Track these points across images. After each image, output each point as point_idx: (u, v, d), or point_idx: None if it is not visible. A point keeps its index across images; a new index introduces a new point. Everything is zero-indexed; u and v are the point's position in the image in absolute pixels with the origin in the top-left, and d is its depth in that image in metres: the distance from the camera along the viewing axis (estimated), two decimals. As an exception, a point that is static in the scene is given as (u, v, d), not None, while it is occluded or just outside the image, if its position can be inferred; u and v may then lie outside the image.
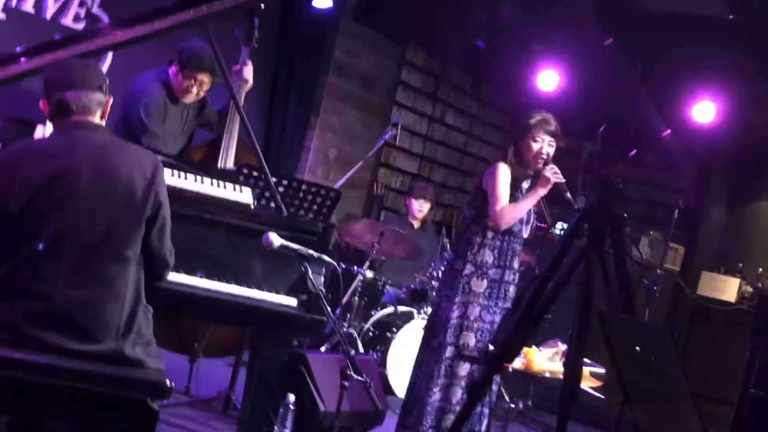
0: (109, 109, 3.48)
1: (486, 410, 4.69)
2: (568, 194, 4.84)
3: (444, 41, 9.27)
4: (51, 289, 3.15)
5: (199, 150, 5.35)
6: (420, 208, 8.08)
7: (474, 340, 4.93)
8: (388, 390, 6.49)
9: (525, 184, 5.08)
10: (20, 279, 3.16)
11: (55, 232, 3.17)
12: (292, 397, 4.78)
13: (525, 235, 5.12)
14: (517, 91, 9.46)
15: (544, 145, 5.00)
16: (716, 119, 8.47)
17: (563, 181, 4.91)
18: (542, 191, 4.94)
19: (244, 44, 5.17)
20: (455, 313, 4.96)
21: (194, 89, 5.18)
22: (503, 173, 4.95)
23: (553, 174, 4.92)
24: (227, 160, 5.11)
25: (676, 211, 7.43)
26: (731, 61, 8.04)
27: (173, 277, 3.78)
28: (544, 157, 4.98)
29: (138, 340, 3.31)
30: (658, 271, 7.34)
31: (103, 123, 3.44)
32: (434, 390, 4.93)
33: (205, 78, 5.16)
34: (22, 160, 3.23)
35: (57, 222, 3.18)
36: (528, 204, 4.95)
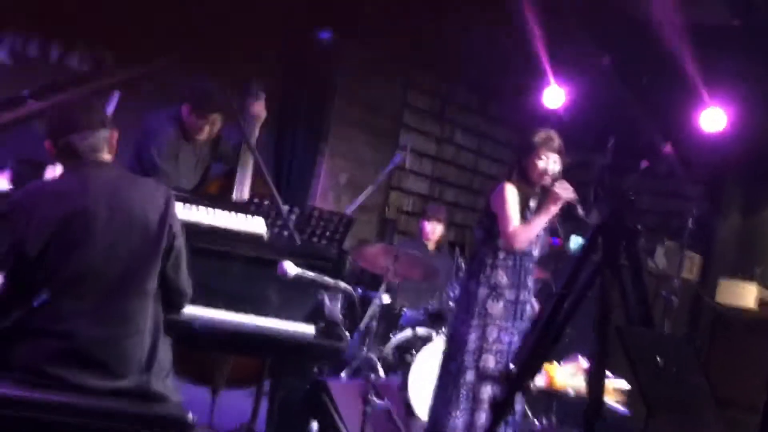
0: (115, 142, 3.49)
1: (510, 431, 4.66)
2: (581, 210, 4.82)
3: (448, 61, 9.29)
4: (72, 328, 3.16)
5: (215, 183, 5.36)
6: (433, 229, 8.06)
7: (494, 362, 4.90)
8: (410, 413, 6.46)
9: (532, 203, 5.06)
10: (41, 319, 3.17)
11: (75, 271, 3.19)
12: (315, 425, 4.77)
13: (536, 254, 5.10)
14: (525, 107, 9.46)
15: (549, 162, 4.99)
16: (726, 126, 8.45)
17: (574, 197, 4.89)
18: (554, 209, 4.93)
19: (254, 78, 5.20)
20: (473, 336, 4.94)
21: (207, 128, 5.18)
22: (510, 193, 4.95)
23: (564, 190, 4.90)
24: (243, 192, 5.12)
25: (690, 219, 7.39)
26: (738, 67, 8.02)
27: (191, 310, 3.79)
28: (550, 174, 4.97)
29: (160, 373, 3.32)
30: (675, 281, 7.30)
31: (111, 158, 3.45)
32: (455, 414, 4.90)
33: (217, 117, 5.17)
34: (37, 202, 3.25)
35: (76, 261, 3.19)
36: (541, 222, 4.94)
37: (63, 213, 3.22)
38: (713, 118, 8.45)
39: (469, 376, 4.92)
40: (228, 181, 5.25)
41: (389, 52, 9.21)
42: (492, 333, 4.93)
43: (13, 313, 3.21)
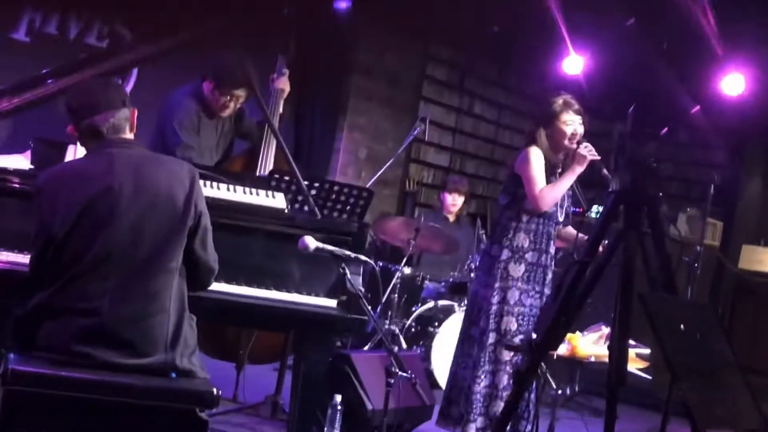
0: (135, 120, 3.50)
1: (533, 397, 4.68)
2: (605, 171, 4.85)
3: (466, 32, 9.25)
4: (99, 306, 3.18)
5: (238, 160, 5.37)
6: (454, 201, 8.06)
7: (515, 324, 4.95)
8: (434, 384, 6.49)
9: (558, 172, 5.07)
10: (67, 298, 3.19)
11: (101, 250, 3.21)
12: (339, 398, 4.79)
13: (560, 218, 5.13)
14: (544, 76, 9.41)
15: (576, 125, 5.01)
16: (746, 91, 8.39)
17: (599, 158, 4.92)
18: (579, 169, 4.95)
19: (279, 53, 5.19)
20: (495, 299, 4.98)
21: (231, 104, 5.17)
22: (536, 156, 4.97)
23: (588, 152, 4.92)
24: (266, 168, 5.13)
25: (712, 186, 7.36)
26: (757, 31, 7.95)
27: (214, 286, 3.81)
28: (578, 137, 4.99)
29: (185, 351, 3.34)
30: (698, 247, 7.27)
31: (132, 136, 3.46)
32: (480, 377, 4.94)
33: (241, 93, 5.15)
34: (62, 184, 3.26)
35: (102, 241, 3.21)
36: (566, 183, 4.97)
37: (89, 194, 3.23)
38: (733, 83, 8.39)
39: (491, 338, 4.96)
40: (251, 158, 5.26)
41: (407, 25, 9.18)
42: (513, 295, 4.98)
43: (40, 293, 3.24)
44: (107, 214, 3.23)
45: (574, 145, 4.98)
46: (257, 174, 5.06)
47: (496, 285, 5.00)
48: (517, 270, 5.00)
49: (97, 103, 3.39)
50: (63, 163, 3.58)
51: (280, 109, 5.32)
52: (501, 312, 4.98)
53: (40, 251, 3.25)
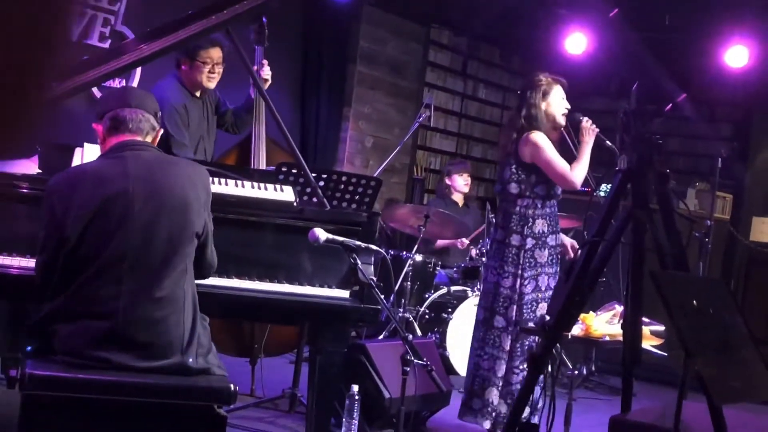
0: (159, 138, 3.52)
1: (540, 377, 4.69)
2: (608, 142, 4.91)
3: (468, 16, 9.24)
4: (113, 309, 3.19)
5: (230, 154, 5.38)
6: (466, 182, 8.07)
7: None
8: (450, 370, 6.50)
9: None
10: (81, 302, 3.20)
11: (114, 253, 3.21)
12: (356, 388, 4.80)
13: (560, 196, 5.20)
14: (547, 57, 9.40)
15: (564, 99, 5.11)
16: (750, 62, 8.37)
17: (598, 130, 5.02)
18: (590, 140, 5.02)
19: (257, 44, 5.19)
20: (528, 288, 4.99)
21: (215, 69, 5.16)
22: (546, 141, 5.00)
23: (591, 124, 5.02)
24: (259, 160, 5.14)
25: (720, 159, 7.35)
26: (759, 2, 7.93)
27: (226, 282, 3.82)
28: (568, 109, 5.09)
29: (200, 351, 3.35)
30: (708, 222, 7.27)
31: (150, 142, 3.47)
32: (519, 367, 4.94)
33: (216, 53, 5.12)
34: (76, 186, 3.27)
35: (115, 243, 3.21)
36: (587, 156, 5.03)
37: (102, 196, 3.24)
38: (737, 56, 8.37)
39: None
40: (243, 151, 5.26)
41: (408, 11, 9.19)
42: (544, 281, 5.03)
43: (54, 297, 3.25)
44: (121, 217, 3.24)
45: (564, 118, 5.08)
46: (251, 166, 5.07)
47: (527, 274, 5.00)
48: (543, 255, 5.03)
49: (130, 99, 3.43)
50: (77, 166, 3.58)
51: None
52: (536, 300, 4.99)
53: (51, 254, 3.24)
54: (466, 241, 7.62)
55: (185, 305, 3.31)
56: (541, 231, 5.04)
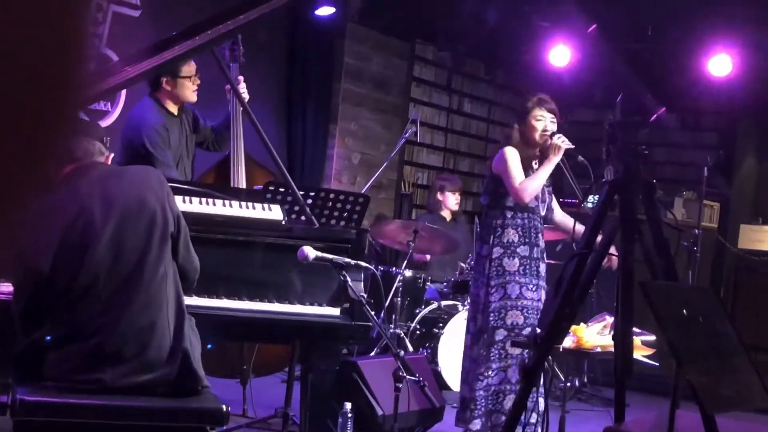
0: (108, 151, 3.52)
1: (542, 391, 4.69)
2: (580, 157, 4.99)
3: (451, 32, 9.27)
4: (99, 326, 3.18)
5: (209, 174, 5.37)
6: (457, 200, 8.13)
7: (522, 318, 5.02)
8: (443, 385, 6.49)
9: (535, 165, 5.19)
10: (65, 329, 3.19)
11: (87, 275, 3.20)
12: (348, 406, 4.79)
13: (542, 213, 5.25)
14: (532, 70, 9.44)
15: (547, 122, 5.15)
16: (734, 71, 8.41)
17: (572, 146, 5.05)
18: (555, 158, 5.05)
19: (232, 62, 5.20)
20: (495, 297, 5.06)
21: (195, 81, 5.16)
22: (512, 154, 5.10)
23: (562, 142, 5.05)
24: (239, 179, 5.14)
25: (706, 168, 7.38)
26: (741, 11, 7.98)
27: (215, 303, 3.81)
28: (548, 133, 5.13)
29: (192, 353, 3.32)
30: (696, 231, 7.29)
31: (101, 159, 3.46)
32: (485, 374, 5.00)
33: (193, 65, 5.10)
34: (35, 223, 3.26)
35: (86, 266, 3.20)
36: (544, 173, 5.07)
37: (62, 225, 3.22)
38: (720, 64, 8.41)
39: (499, 335, 5.01)
40: (222, 170, 5.26)
41: (392, 27, 9.21)
42: (514, 289, 5.06)
43: (38, 328, 3.23)
44: (84, 239, 3.21)
45: (546, 141, 5.12)
46: (232, 185, 5.07)
47: (494, 282, 5.08)
48: (512, 264, 5.08)
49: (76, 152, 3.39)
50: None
51: (240, 117, 5.32)
52: (504, 308, 5.04)
53: (32, 293, 3.21)
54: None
55: (168, 308, 3.29)
56: (510, 240, 5.10)
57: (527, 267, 5.10)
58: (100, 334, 3.18)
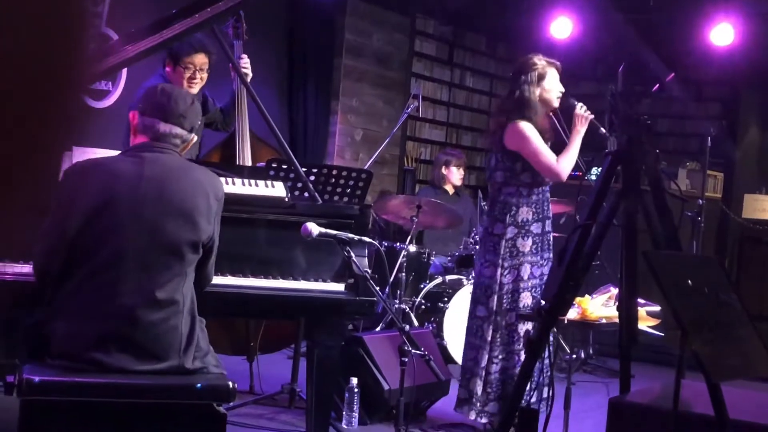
0: (190, 146, 3.55)
1: (547, 362, 4.68)
2: (602, 129, 4.81)
3: (452, 5, 9.24)
4: (112, 310, 3.18)
5: (214, 152, 5.36)
6: (461, 175, 8.12)
7: (531, 299, 4.90)
8: (448, 359, 6.51)
9: (546, 135, 5.03)
10: (81, 301, 3.19)
11: (116, 251, 3.20)
12: (355, 381, 4.81)
13: (549, 182, 5.09)
14: (533, 42, 9.40)
15: (558, 82, 5.01)
16: (736, 40, 8.38)
17: (593, 116, 4.91)
18: (582, 129, 4.94)
19: (235, 39, 5.17)
20: (507, 279, 4.92)
21: (197, 75, 5.11)
22: (531, 130, 4.89)
23: (585, 111, 4.92)
24: (244, 157, 5.13)
25: (709, 138, 7.36)
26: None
27: (220, 280, 3.81)
28: (562, 92, 5.00)
29: (197, 353, 3.34)
30: (700, 201, 7.28)
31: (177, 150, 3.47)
32: (498, 357, 4.91)
33: (201, 59, 5.06)
34: (87, 177, 3.27)
35: (119, 241, 3.21)
36: (576, 147, 4.94)
37: (112, 192, 3.23)
38: (723, 34, 8.38)
39: (510, 318, 4.91)
40: (227, 149, 5.25)
41: (392, 2, 9.17)
42: (525, 271, 4.92)
43: (53, 295, 3.24)
44: (129, 216, 3.23)
45: (558, 102, 4.99)
46: (237, 163, 5.06)
47: (507, 264, 4.93)
48: (525, 245, 4.94)
49: (172, 114, 3.40)
50: (96, 158, 3.55)
51: (244, 95, 5.30)
52: (517, 290, 4.92)
53: (53, 241, 3.23)
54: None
55: (184, 309, 3.30)
56: (524, 219, 4.95)
57: (539, 244, 4.98)
58: (114, 319, 3.18)
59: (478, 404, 4.95)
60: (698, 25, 8.49)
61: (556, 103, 4.99)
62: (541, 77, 4.97)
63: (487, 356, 4.93)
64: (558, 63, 5.05)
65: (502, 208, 4.98)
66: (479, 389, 4.95)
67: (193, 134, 3.50)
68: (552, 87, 4.99)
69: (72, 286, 3.21)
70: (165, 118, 3.39)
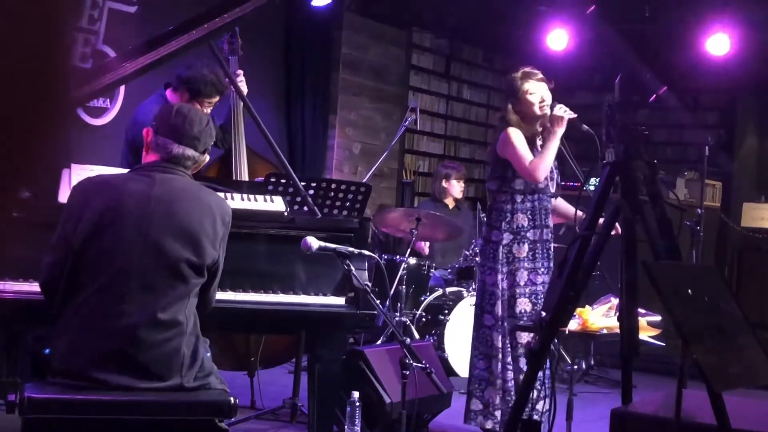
0: (201, 166, 3.56)
1: (548, 374, 4.68)
2: (585, 126, 4.83)
3: (449, 19, 9.26)
4: (115, 328, 3.18)
5: (211, 168, 5.37)
6: (461, 188, 8.12)
7: (531, 305, 4.92)
8: (449, 372, 6.50)
9: (539, 141, 5.06)
10: (85, 317, 3.19)
11: (122, 269, 3.20)
12: (356, 394, 4.80)
13: (552, 191, 5.11)
14: (530, 54, 9.42)
15: (542, 92, 4.99)
16: (732, 49, 8.40)
17: (575, 116, 4.89)
18: (560, 130, 4.90)
19: (230, 55, 5.19)
20: (504, 284, 4.95)
21: (208, 109, 5.16)
22: (516, 135, 4.94)
23: (564, 111, 4.90)
24: (241, 172, 5.14)
25: (707, 148, 7.37)
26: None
27: (221, 295, 3.81)
28: (546, 101, 4.98)
29: (200, 374, 3.34)
30: (699, 210, 7.29)
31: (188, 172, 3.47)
32: (510, 364, 4.93)
33: (216, 99, 5.15)
34: (97, 193, 3.27)
35: (125, 260, 3.21)
36: (553, 148, 4.91)
37: (120, 210, 3.24)
38: (719, 44, 8.40)
39: (509, 324, 4.93)
40: (224, 164, 5.26)
41: (389, 16, 9.20)
42: (522, 276, 4.96)
43: (58, 311, 3.24)
44: (135, 235, 3.23)
45: (546, 111, 4.97)
46: (234, 178, 5.07)
47: (504, 270, 4.97)
48: (521, 251, 4.98)
49: (186, 136, 3.40)
50: (106, 174, 3.55)
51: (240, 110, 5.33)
52: (513, 296, 4.95)
53: (60, 254, 3.23)
54: (425, 247, 7.69)
55: (187, 330, 3.30)
56: (519, 226, 4.98)
57: (536, 251, 5.01)
58: (117, 338, 3.18)
59: (497, 413, 4.96)
60: (694, 35, 8.50)
61: (538, 112, 4.99)
62: (515, 91, 5.02)
63: (500, 364, 4.95)
64: (536, 72, 5.06)
65: (498, 215, 5.04)
66: (498, 398, 4.97)
67: (206, 155, 3.50)
68: (528, 98, 4.99)
69: (76, 303, 3.21)
70: (179, 139, 3.39)
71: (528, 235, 4.99)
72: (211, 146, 5.44)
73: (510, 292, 4.95)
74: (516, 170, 4.96)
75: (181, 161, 3.40)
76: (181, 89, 5.05)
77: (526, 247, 4.99)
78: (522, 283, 4.96)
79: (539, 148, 5.01)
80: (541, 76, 5.04)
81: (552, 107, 4.95)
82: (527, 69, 5.07)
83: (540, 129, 5.05)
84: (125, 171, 3.61)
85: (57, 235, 3.25)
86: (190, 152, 3.41)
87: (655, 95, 3.70)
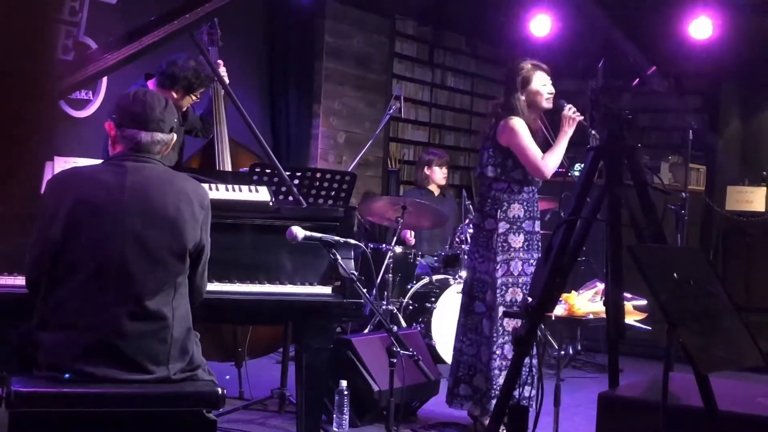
0: (171, 145, 3.51)
1: (535, 361, 4.70)
2: (592, 130, 4.85)
3: (431, 5, 9.25)
4: (99, 321, 3.16)
5: (194, 159, 5.36)
6: (444, 174, 8.10)
7: (522, 295, 4.93)
8: (437, 359, 6.51)
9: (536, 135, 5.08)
10: (68, 311, 3.17)
11: (102, 262, 3.19)
12: (344, 383, 4.81)
13: (539, 184, 5.14)
14: (513, 41, 9.42)
15: (549, 85, 5.06)
16: (715, 33, 8.41)
17: (582, 118, 4.94)
18: (570, 130, 4.97)
19: (210, 46, 5.17)
20: (499, 273, 4.95)
21: (191, 101, 5.15)
22: (522, 126, 4.95)
23: (574, 113, 4.96)
24: (224, 162, 5.13)
25: (691, 132, 7.39)
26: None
27: (207, 286, 3.81)
28: (552, 94, 5.04)
29: (188, 367, 3.32)
30: (683, 194, 7.30)
31: (159, 157, 3.44)
32: (497, 352, 4.94)
33: (202, 91, 5.14)
34: (69, 186, 3.25)
35: (105, 253, 3.19)
36: (563, 147, 4.98)
37: (95, 202, 3.21)
38: (701, 27, 8.41)
39: (499, 312, 4.94)
40: (206, 155, 5.24)
41: (372, 4, 9.18)
42: (516, 266, 4.98)
43: (41, 306, 3.23)
44: (112, 226, 3.21)
45: (549, 104, 5.03)
46: (217, 168, 5.06)
47: (499, 258, 4.96)
48: (517, 241, 4.99)
49: (151, 121, 3.36)
50: (77, 167, 3.52)
51: (222, 101, 5.31)
52: (506, 284, 4.96)
53: (39, 251, 3.22)
54: (410, 238, 7.69)
55: (173, 323, 3.28)
56: (516, 216, 5.00)
57: (530, 242, 5.04)
58: (100, 331, 3.16)
59: (485, 399, 4.98)
60: (677, 19, 8.52)
61: (546, 105, 5.04)
62: (526, 81, 5.05)
63: (489, 351, 4.97)
64: (544, 66, 5.09)
65: (493, 203, 5.03)
66: (483, 384, 4.99)
67: (173, 134, 3.47)
68: (539, 89, 5.03)
69: (58, 297, 3.20)
70: (145, 126, 3.35)
71: (524, 225, 5.02)
72: (192, 136, 5.47)
73: (503, 281, 4.96)
74: (517, 161, 4.97)
75: (151, 147, 3.37)
76: (176, 89, 5.02)
77: (521, 237, 5.01)
78: (516, 273, 4.98)
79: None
80: (546, 67, 5.10)
81: (563, 107, 5.00)
82: (535, 61, 5.11)
83: (538, 122, 5.08)
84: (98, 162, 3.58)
85: (35, 232, 3.24)
86: (159, 136, 3.37)
87: (638, 79, 3.70)
